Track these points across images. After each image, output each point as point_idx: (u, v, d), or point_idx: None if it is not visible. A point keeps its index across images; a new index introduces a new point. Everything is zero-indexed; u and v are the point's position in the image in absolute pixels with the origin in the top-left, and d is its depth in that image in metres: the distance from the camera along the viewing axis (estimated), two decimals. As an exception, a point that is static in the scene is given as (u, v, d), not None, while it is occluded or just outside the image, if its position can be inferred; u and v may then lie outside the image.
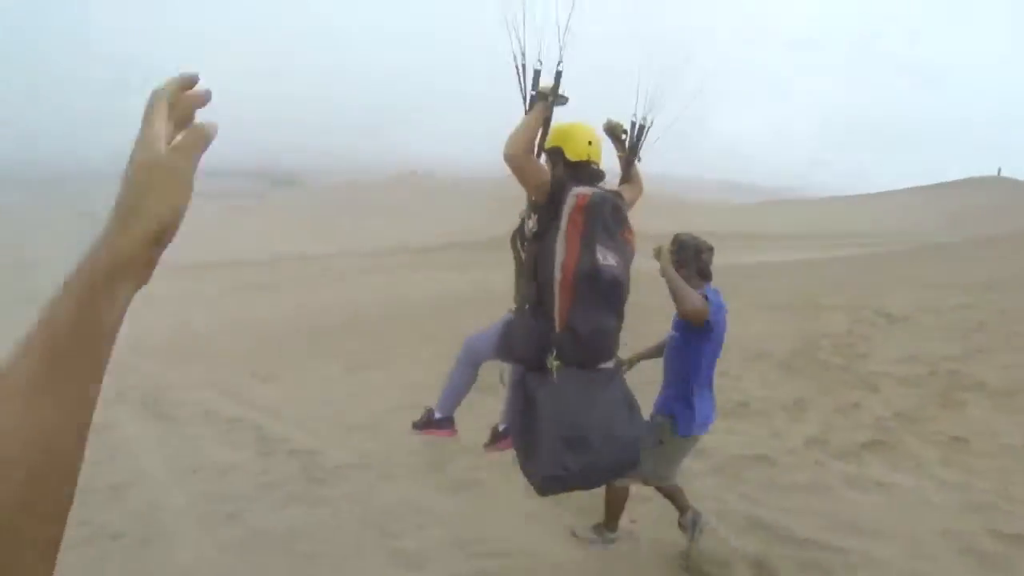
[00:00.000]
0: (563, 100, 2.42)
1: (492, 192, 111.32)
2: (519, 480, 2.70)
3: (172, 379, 9.83)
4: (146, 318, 20.59)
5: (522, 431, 2.45)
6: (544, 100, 2.38)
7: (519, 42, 2.28)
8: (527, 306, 2.48)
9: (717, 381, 3.35)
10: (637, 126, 2.72)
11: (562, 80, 2.36)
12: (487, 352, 2.74)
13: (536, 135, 2.42)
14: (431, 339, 10.52)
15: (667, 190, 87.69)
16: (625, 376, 2.78)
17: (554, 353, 2.33)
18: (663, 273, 2.88)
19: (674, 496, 3.37)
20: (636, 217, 2.63)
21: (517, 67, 2.36)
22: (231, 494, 5.13)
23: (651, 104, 2.63)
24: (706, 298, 2.88)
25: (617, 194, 2.59)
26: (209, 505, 4.91)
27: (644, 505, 3.93)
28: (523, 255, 2.54)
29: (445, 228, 73.97)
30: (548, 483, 2.36)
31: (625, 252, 2.45)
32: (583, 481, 2.43)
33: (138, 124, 0.62)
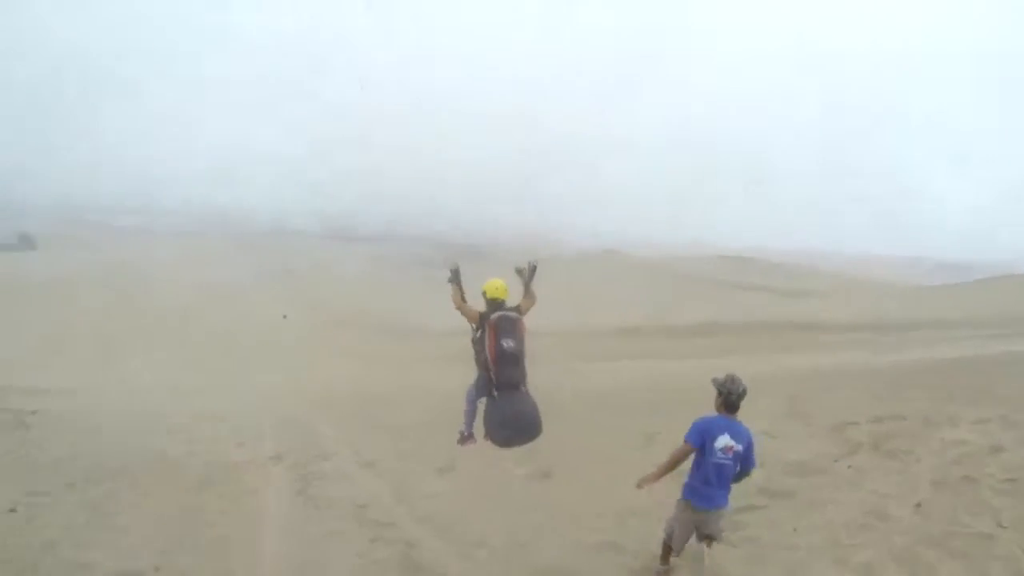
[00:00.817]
0: (456, 277, 5.41)
1: (678, 271, 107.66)
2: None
3: (338, 449, 8.63)
4: (335, 377, 20.90)
5: (484, 421, 5.19)
6: (451, 281, 5.41)
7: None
8: (480, 370, 5.21)
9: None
10: (531, 267, 5.57)
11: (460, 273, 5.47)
12: (473, 393, 5.38)
13: (457, 295, 5.39)
14: (630, 435, 8.37)
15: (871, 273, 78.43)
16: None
17: (494, 387, 5.08)
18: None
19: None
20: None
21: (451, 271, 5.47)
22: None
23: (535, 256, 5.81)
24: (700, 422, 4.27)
25: (515, 309, 5.30)
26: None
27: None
28: (474, 348, 5.27)
29: (637, 310, 71.69)
30: (499, 443, 5.16)
31: (517, 336, 5.11)
32: (515, 439, 5.16)
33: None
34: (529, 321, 5.43)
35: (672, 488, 4.49)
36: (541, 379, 16.74)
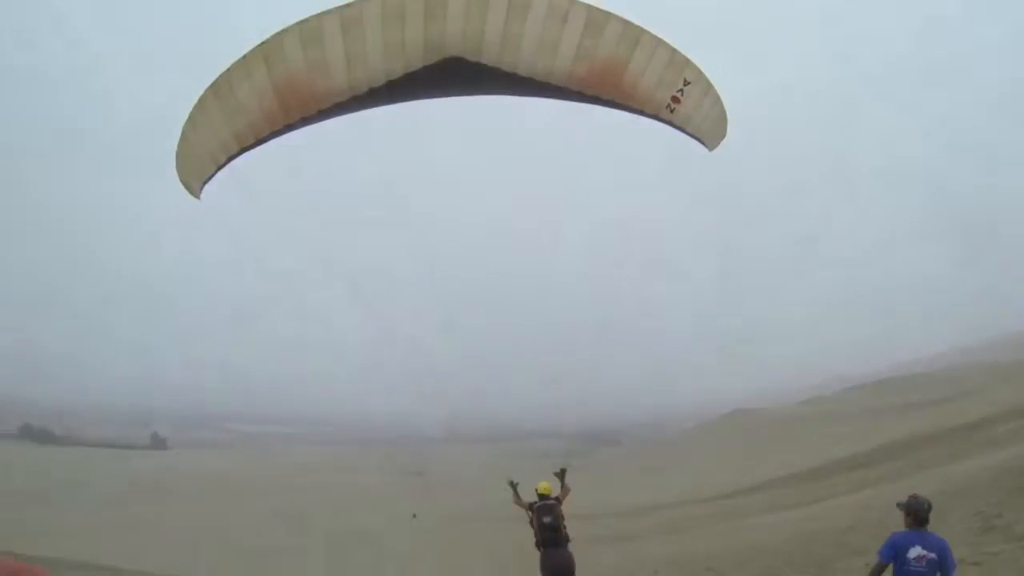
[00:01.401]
0: (514, 488, 8.07)
1: (820, 418, 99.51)
2: None
3: None
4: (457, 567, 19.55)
5: (540, 569, 7.21)
6: (511, 488, 8.09)
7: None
8: (538, 544, 7.33)
9: None
10: (562, 471, 8.11)
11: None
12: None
13: (515, 498, 7.98)
14: None
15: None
16: None
17: (542, 545, 7.24)
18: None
19: None
20: None
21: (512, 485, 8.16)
22: None
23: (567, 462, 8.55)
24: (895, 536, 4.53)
25: (556, 499, 7.55)
26: None
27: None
28: (532, 527, 7.40)
29: (774, 464, 65.70)
30: None
31: (555, 514, 7.26)
32: None
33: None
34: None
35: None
36: (688, 548, 14.26)
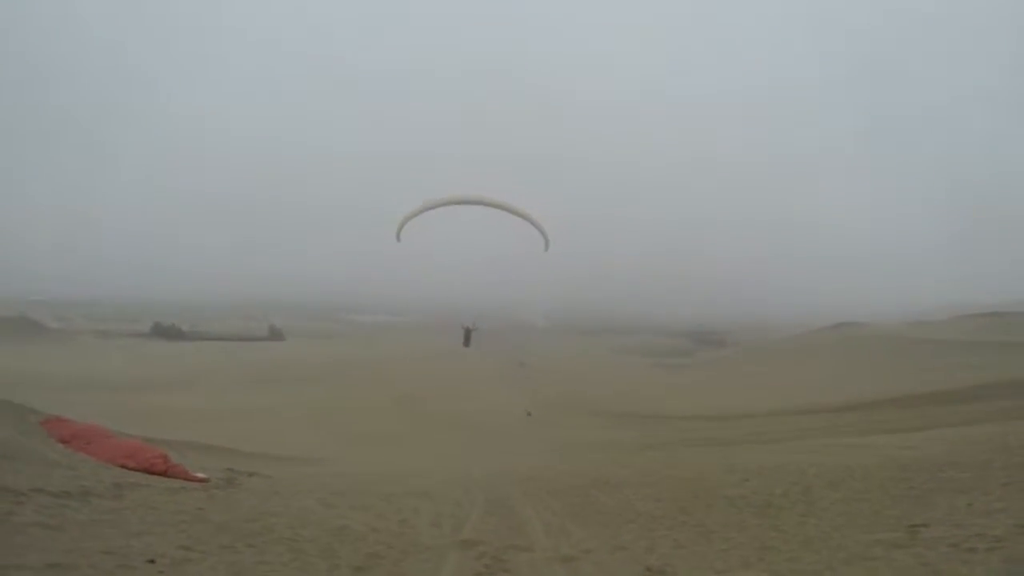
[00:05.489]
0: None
1: (930, 342, 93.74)
2: None
3: (541, 539, 7.68)
4: (563, 463, 20.31)
5: None
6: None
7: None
8: None
9: None
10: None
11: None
12: None
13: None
14: (887, 526, 6.59)
15: None
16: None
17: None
18: None
19: None
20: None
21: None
22: None
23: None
24: None
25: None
26: None
27: None
28: None
29: (878, 384, 62.70)
30: None
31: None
32: None
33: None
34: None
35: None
36: (780, 459, 13.88)
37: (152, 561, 4.85)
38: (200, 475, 11.48)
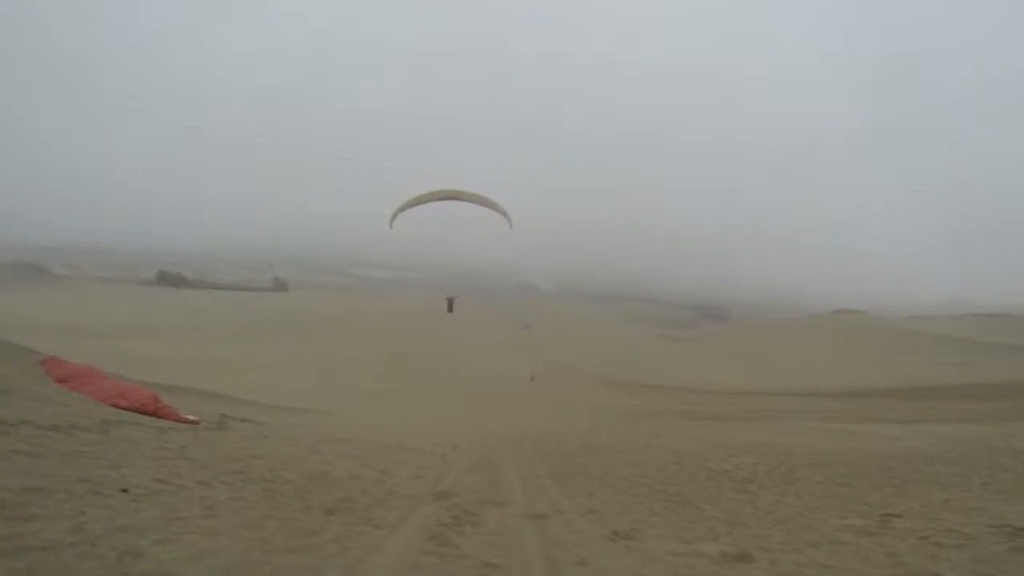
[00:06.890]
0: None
1: (921, 331, 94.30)
2: None
3: (516, 497, 7.82)
4: (555, 427, 20.69)
5: None
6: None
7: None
8: None
9: None
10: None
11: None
12: None
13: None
14: (861, 512, 6.87)
15: None
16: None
17: None
18: None
19: None
20: None
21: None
22: None
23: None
24: None
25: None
26: None
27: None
28: None
29: (875, 373, 63.38)
30: None
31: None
32: None
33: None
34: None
35: None
36: (771, 438, 14.12)
37: (125, 490, 4.96)
38: (191, 417, 11.69)
